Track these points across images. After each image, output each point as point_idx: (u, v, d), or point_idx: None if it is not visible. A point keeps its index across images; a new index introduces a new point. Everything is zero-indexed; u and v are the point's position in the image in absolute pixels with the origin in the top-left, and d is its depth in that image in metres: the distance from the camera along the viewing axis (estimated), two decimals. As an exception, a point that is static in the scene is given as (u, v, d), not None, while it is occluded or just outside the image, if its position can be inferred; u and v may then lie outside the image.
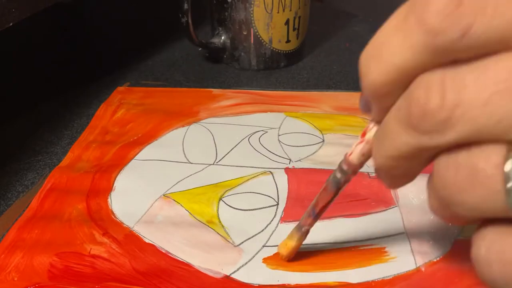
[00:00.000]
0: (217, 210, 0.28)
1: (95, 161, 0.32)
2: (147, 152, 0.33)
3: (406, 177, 0.17)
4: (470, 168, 0.13)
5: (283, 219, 0.27)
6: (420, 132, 0.14)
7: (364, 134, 0.18)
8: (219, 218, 0.27)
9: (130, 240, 0.26)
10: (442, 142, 0.14)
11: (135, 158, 0.33)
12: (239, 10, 0.43)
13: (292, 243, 0.24)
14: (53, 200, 0.29)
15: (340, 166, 0.20)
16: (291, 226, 0.27)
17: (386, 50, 0.14)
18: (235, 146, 0.33)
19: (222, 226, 0.27)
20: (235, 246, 0.26)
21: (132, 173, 0.31)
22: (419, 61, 0.14)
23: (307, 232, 0.23)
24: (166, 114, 0.37)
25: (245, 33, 0.44)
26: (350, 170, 0.20)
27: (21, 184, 0.31)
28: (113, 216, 0.28)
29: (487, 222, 0.15)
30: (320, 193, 0.22)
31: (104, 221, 0.27)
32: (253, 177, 0.30)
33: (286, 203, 0.28)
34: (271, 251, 0.25)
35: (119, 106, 0.39)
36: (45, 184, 0.30)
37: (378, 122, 0.17)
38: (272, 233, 0.26)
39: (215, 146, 0.33)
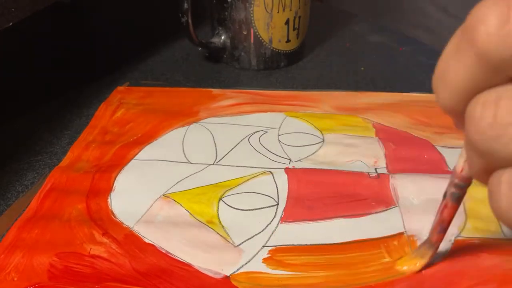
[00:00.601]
0: (217, 210, 0.28)
1: (95, 161, 0.32)
2: (147, 152, 0.33)
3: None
4: None
5: (283, 219, 0.27)
6: (479, 151, 0.15)
7: None
8: (219, 218, 0.27)
9: (130, 240, 0.26)
10: (497, 159, 0.14)
11: (135, 158, 0.32)
12: (239, 9, 0.43)
13: (423, 261, 0.24)
14: (53, 200, 0.29)
15: (453, 182, 0.21)
16: (291, 226, 0.27)
17: (447, 73, 0.15)
18: (235, 146, 0.33)
19: (222, 226, 0.27)
20: (235, 247, 0.26)
21: (132, 173, 0.31)
22: (477, 81, 0.14)
23: (437, 248, 0.24)
24: (166, 114, 0.37)
25: (245, 33, 0.44)
26: (465, 183, 0.20)
27: (21, 184, 0.31)
28: (113, 216, 0.28)
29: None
30: (442, 210, 0.22)
31: (104, 221, 0.27)
32: (253, 177, 0.30)
33: (286, 203, 0.28)
34: (271, 251, 0.25)
35: (118, 106, 0.39)
36: (45, 184, 0.30)
37: None
38: (272, 233, 0.26)
39: (215, 146, 0.33)
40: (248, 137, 0.34)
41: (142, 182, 0.30)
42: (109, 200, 0.29)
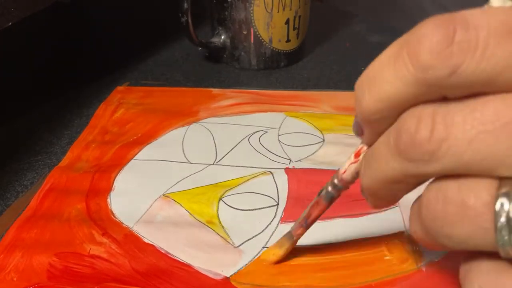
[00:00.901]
0: (217, 210, 0.28)
1: (95, 161, 0.32)
2: (146, 152, 0.33)
3: (390, 200, 0.18)
4: (460, 204, 0.14)
5: (283, 219, 0.27)
6: (407, 159, 0.15)
7: (358, 155, 0.19)
8: (219, 218, 0.27)
9: (129, 240, 0.26)
10: (427, 172, 0.15)
11: (134, 158, 0.32)
12: (239, 9, 0.43)
13: (281, 252, 0.24)
14: (52, 200, 0.29)
15: (332, 181, 0.21)
16: (291, 226, 0.27)
17: (380, 80, 0.15)
18: (235, 146, 0.33)
19: (222, 226, 0.27)
20: (235, 247, 0.26)
21: (131, 173, 0.31)
22: (410, 94, 0.15)
23: (296, 241, 0.24)
24: (166, 114, 0.37)
25: (245, 32, 0.44)
26: (343, 186, 0.21)
27: (20, 184, 0.31)
28: (112, 216, 0.28)
29: (476, 255, 0.15)
30: (312, 205, 0.22)
31: (103, 221, 0.27)
32: (253, 177, 0.30)
33: (286, 203, 0.28)
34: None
35: (118, 106, 0.38)
36: (45, 184, 0.30)
37: (370, 145, 0.18)
38: (272, 234, 0.26)
39: (215, 146, 0.33)
40: (248, 137, 0.34)
41: (142, 182, 0.30)
42: (108, 200, 0.29)
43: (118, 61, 0.46)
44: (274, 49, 0.45)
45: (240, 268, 0.24)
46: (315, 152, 0.33)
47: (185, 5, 0.41)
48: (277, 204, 0.28)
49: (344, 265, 0.24)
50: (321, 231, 0.26)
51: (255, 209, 0.28)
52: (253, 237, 0.26)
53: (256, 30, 0.43)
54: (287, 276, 0.24)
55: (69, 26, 0.57)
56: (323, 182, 0.29)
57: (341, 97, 0.39)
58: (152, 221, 0.27)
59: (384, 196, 0.17)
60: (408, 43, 0.15)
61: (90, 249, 0.25)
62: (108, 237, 0.26)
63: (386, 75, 0.15)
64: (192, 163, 0.32)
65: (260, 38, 0.44)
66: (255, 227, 0.27)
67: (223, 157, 0.32)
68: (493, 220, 0.13)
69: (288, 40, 0.45)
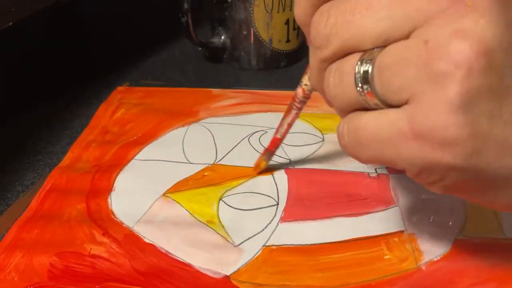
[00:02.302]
0: (217, 210, 0.28)
1: (95, 161, 0.32)
2: (147, 152, 0.33)
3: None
4: (340, 71, 0.19)
5: (283, 219, 0.27)
6: (316, 47, 0.19)
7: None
8: (219, 218, 0.27)
9: (130, 240, 0.26)
10: (328, 53, 0.19)
11: (135, 158, 0.32)
12: (239, 9, 0.43)
13: (264, 165, 0.30)
14: (53, 200, 0.29)
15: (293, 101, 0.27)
16: (291, 225, 0.27)
17: None
18: (235, 146, 0.33)
19: (222, 226, 0.27)
20: (235, 246, 0.26)
21: (132, 173, 0.31)
22: None
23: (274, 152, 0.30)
24: (166, 114, 0.37)
25: (245, 32, 0.44)
26: (301, 101, 0.27)
27: (21, 184, 0.31)
28: (113, 216, 0.28)
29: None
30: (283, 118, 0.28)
31: (104, 221, 0.27)
32: (253, 177, 0.30)
33: (286, 203, 0.28)
34: (271, 251, 0.25)
35: (118, 106, 0.38)
36: (45, 184, 0.30)
37: None
38: (272, 233, 0.26)
39: (215, 146, 0.33)
40: (248, 137, 0.34)
41: (142, 182, 0.30)
42: (109, 200, 0.29)
43: (118, 61, 0.47)
44: (274, 49, 0.45)
45: (240, 267, 0.24)
46: (315, 151, 0.33)
47: (185, 5, 0.41)
48: (277, 204, 0.28)
49: (344, 264, 0.24)
50: (321, 231, 0.26)
51: (255, 209, 0.28)
52: (253, 236, 0.26)
53: (256, 30, 0.43)
54: (287, 275, 0.24)
55: (69, 26, 0.57)
56: (323, 182, 0.30)
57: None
58: (153, 221, 0.27)
59: (321, 88, 0.21)
60: None
61: (90, 249, 0.25)
62: (108, 237, 0.26)
63: None
64: (192, 163, 0.32)
65: (260, 38, 0.44)
66: (255, 226, 0.27)
67: (223, 157, 0.32)
68: (354, 77, 0.18)
69: (288, 40, 0.45)
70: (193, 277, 0.24)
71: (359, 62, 0.18)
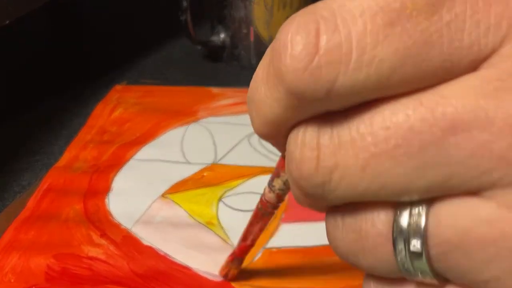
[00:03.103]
0: (217, 211, 0.28)
1: (93, 161, 0.32)
2: (145, 152, 0.33)
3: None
4: (358, 233, 0.12)
5: (284, 220, 0.27)
6: (304, 195, 0.13)
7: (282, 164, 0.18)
8: (218, 219, 0.27)
9: (128, 242, 0.26)
10: (324, 205, 0.13)
11: (133, 158, 0.32)
12: (239, 8, 0.42)
13: (235, 272, 0.23)
14: (50, 201, 0.29)
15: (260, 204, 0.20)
16: (291, 226, 0.26)
17: (259, 101, 0.13)
18: (234, 146, 0.33)
19: (222, 227, 0.27)
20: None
21: (130, 173, 0.31)
22: (289, 115, 0.12)
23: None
24: (165, 114, 0.37)
25: (245, 31, 0.43)
26: (272, 207, 0.20)
27: (18, 184, 0.31)
28: (110, 217, 0.27)
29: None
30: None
31: (101, 222, 0.27)
32: (252, 177, 0.30)
33: (287, 204, 0.28)
34: (271, 253, 0.25)
35: (116, 105, 0.38)
36: (42, 185, 0.30)
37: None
38: (272, 235, 0.26)
39: (215, 146, 0.33)
40: (247, 137, 0.34)
41: (140, 183, 0.30)
42: (107, 200, 0.29)
43: (117, 60, 0.46)
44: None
45: (240, 269, 0.24)
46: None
47: (185, 4, 0.41)
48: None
49: (345, 266, 0.24)
50: (322, 232, 0.26)
51: (255, 210, 0.28)
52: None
53: (256, 28, 0.43)
54: (287, 277, 0.24)
55: (67, 25, 0.57)
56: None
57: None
58: (151, 222, 0.27)
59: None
60: (273, 55, 0.12)
61: (88, 250, 0.25)
62: (106, 238, 0.26)
63: (263, 95, 0.13)
64: (191, 163, 0.32)
65: (260, 36, 0.43)
66: (255, 228, 0.27)
67: (222, 157, 0.32)
68: (391, 249, 0.12)
69: (288, 39, 0.44)
70: (191, 279, 0.24)
71: (395, 228, 0.12)
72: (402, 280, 0.13)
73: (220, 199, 0.28)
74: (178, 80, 0.43)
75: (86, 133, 0.35)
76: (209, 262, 0.24)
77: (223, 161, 0.32)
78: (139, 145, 0.33)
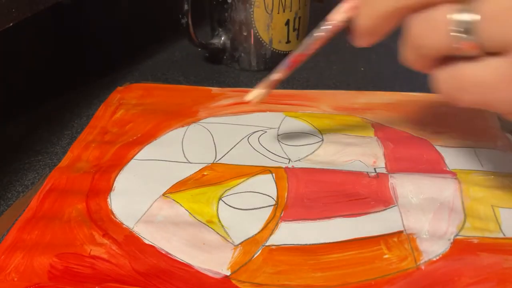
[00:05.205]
0: (217, 210, 0.28)
1: (95, 161, 0.32)
2: (146, 152, 0.33)
3: (378, 35, 0.23)
4: (430, 20, 0.19)
5: (283, 219, 0.27)
6: None
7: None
8: (218, 218, 0.27)
9: (130, 241, 0.26)
10: (413, 1, 0.20)
11: (134, 158, 0.33)
12: (239, 10, 0.43)
13: (264, 91, 0.30)
14: (52, 201, 0.29)
15: (320, 26, 0.26)
16: (290, 225, 0.27)
17: None
18: (234, 146, 0.33)
19: (222, 225, 0.27)
20: (234, 246, 0.26)
21: (131, 173, 0.31)
22: None
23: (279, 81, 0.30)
24: (166, 114, 0.37)
25: (245, 33, 0.44)
26: (330, 28, 0.26)
27: (21, 184, 0.31)
28: (112, 217, 0.28)
29: (441, 62, 0.21)
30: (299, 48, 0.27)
31: (104, 222, 0.27)
32: (252, 177, 0.30)
33: (286, 202, 0.28)
34: (271, 251, 0.25)
35: (118, 107, 0.39)
36: (45, 185, 0.30)
37: None
38: (271, 233, 0.26)
39: (215, 146, 0.33)
40: (247, 136, 0.34)
41: (141, 182, 0.30)
42: (109, 200, 0.29)
43: (118, 62, 0.47)
44: (274, 50, 0.45)
45: (240, 266, 0.24)
46: (314, 151, 0.33)
47: (185, 7, 0.41)
48: (277, 204, 0.28)
49: (344, 264, 0.24)
50: (321, 230, 0.26)
51: (254, 209, 0.28)
52: (253, 235, 0.26)
53: (256, 31, 0.43)
54: (287, 275, 0.24)
55: (69, 27, 0.57)
56: (322, 182, 0.30)
57: (340, 97, 0.39)
58: (152, 221, 0.27)
59: (375, 33, 0.22)
60: None
61: (90, 250, 0.25)
62: (108, 238, 0.26)
63: None
64: (191, 163, 0.32)
65: (260, 39, 0.44)
66: (254, 226, 0.27)
67: (222, 157, 0.32)
68: (449, 25, 0.19)
69: (288, 41, 0.45)
70: (193, 277, 0.24)
71: (456, 12, 0.19)
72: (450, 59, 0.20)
73: (220, 198, 0.29)
74: (179, 82, 0.44)
75: (88, 134, 0.35)
76: (210, 260, 0.25)
77: (223, 161, 0.32)
78: (140, 145, 0.34)
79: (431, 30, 0.20)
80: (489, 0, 0.18)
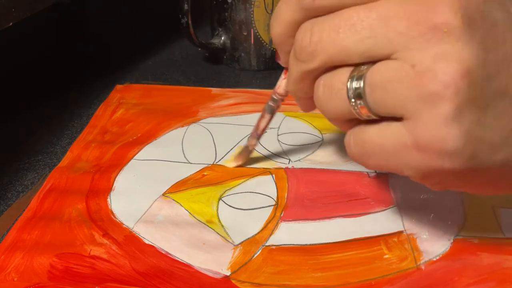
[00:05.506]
0: (217, 210, 0.28)
1: (95, 161, 0.32)
2: (146, 152, 0.33)
3: (305, 97, 0.23)
4: (329, 86, 0.21)
5: (283, 219, 0.27)
6: (300, 61, 0.21)
7: (285, 73, 0.26)
8: (218, 218, 0.27)
9: (130, 241, 0.26)
10: (313, 66, 0.21)
11: (134, 158, 0.33)
12: (239, 10, 0.43)
13: (240, 160, 0.31)
14: (52, 201, 0.29)
15: (272, 97, 0.28)
16: (290, 225, 0.27)
17: (279, 13, 0.22)
18: (234, 146, 0.33)
19: (222, 225, 0.27)
20: (234, 246, 0.26)
21: (131, 173, 0.31)
22: (298, 17, 0.21)
23: (251, 151, 0.31)
24: (166, 114, 0.37)
25: (245, 33, 0.44)
26: (279, 98, 0.28)
27: (21, 184, 0.31)
28: (112, 216, 0.28)
29: (351, 124, 0.22)
30: (259, 119, 0.29)
31: (104, 222, 0.27)
32: (252, 177, 0.30)
33: (286, 202, 0.28)
34: (271, 251, 0.25)
35: (118, 106, 0.39)
36: (45, 185, 0.30)
37: (286, 64, 0.24)
38: (271, 233, 0.26)
39: (215, 146, 0.33)
40: (247, 136, 0.34)
41: (141, 182, 0.30)
42: (108, 200, 0.29)
43: (118, 61, 0.47)
44: (274, 50, 0.45)
45: (240, 266, 0.24)
46: (314, 151, 0.33)
47: (185, 6, 0.41)
48: (277, 204, 0.28)
49: (344, 264, 0.24)
50: (321, 230, 0.26)
51: (254, 209, 0.28)
52: (253, 235, 0.26)
53: (256, 31, 0.43)
54: (287, 275, 0.24)
55: (69, 26, 0.57)
56: (322, 182, 0.30)
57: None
58: (152, 221, 0.27)
59: (301, 94, 0.23)
60: None
61: (90, 250, 0.25)
62: (108, 238, 0.26)
63: (283, 8, 0.22)
64: (191, 163, 0.32)
65: (260, 39, 0.44)
66: (254, 226, 0.27)
67: (222, 157, 0.32)
68: (346, 92, 0.20)
69: (287, 41, 0.45)
70: (193, 277, 0.24)
71: (349, 79, 0.20)
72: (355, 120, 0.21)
73: (220, 198, 0.29)
74: (179, 82, 0.44)
75: (88, 134, 0.35)
76: (210, 260, 0.25)
77: (223, 161, 0.32)
78: (140, 145, 0.34)
79: (330, 95, 0.21)
80: (374, 69, 0.19)
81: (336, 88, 0.20)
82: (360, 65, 0.20)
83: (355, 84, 0.19)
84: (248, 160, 0.31)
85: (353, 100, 0.20)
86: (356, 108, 0.20)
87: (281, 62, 0.25)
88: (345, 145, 0.22)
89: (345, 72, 0.20)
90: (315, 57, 0.20)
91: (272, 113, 0.29)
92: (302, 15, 0.21)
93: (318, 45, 0.20)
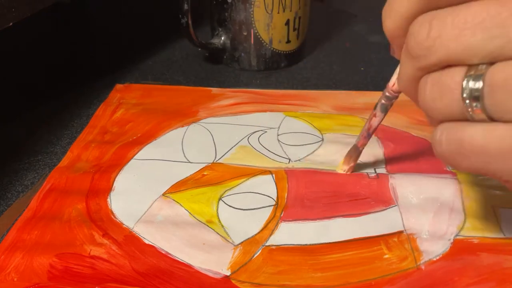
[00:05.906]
0: (217, 210, 0.28)
1: (95, 161, 0.32)
2: (146, 151, 0.33)
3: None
4: (440, 84, 0.19)
5: (283, 219, 0.27)
6: (413, 56, 0.19)
7: None
8: (218, 218, 0.27)
9: (130, 241, 0.26)
10: (427, 64, 0.19)
11: (134, 157, 0.33)
12: (239, 10, 0.43)
13: (351, 162, 0.30)
14: (52, 201, 0.29)
15: (384, 95, 0.26)
16: (290, 225, 0.27)
17: (394, 4, 0.20)
18: (234, 146, 0.33)
19: (222, 225, 0.27)
20: (234, 246, 0.26)
21: (131, 173, 0.31)
22: (415, 8, 0.19)
23: (361, 151, 0.30)
24: (165, 114, 0.37)
25: (245, 33, 0.44)
26: (393, 96, 0.26)
27: (21, 184, 0.31)
28: (112, 216, 0.28)
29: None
30: (371, 118, 0.28)
31: (103, 222, 0.27)
32: (252, 177, 0.30)
33: (286, 202, 0.28)
34: (271, 251, 0.25)
35: (118, 106, 0.39)
36: (45, 185, 0.30)
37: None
38: (271, 233, 0.26)
39: (215, 146, 0.33)
40: (247, 137, 0.34)
41: (141, 182, 0.30)
42: (108, 200, 0.29)
43: (118, 61, 0.47)
44: (274, 50, 0.45)
45: (240, 267, 0.24)
46: (314, 151, 0.33)
47: (185, 6, 0.41)
48: (277, 204, 0.28)
49: (344, 264, 0.24)
50: (321, 231, 0.26)
51: (254, 209, 0.28)
52: (253, 235, 0.26)
53: (256, 31, 0.43)
54: (287, 275, 0.24)
55: (69, 26, 0.57)
56: (322, 182, 0.30)
57: (340, 96, 0.39)
58: (152, 221, 0.27)
59: (414, 92, 0.21)
60: None
61: (90, 250, 0.25)
62: (108, 238, 0.26)
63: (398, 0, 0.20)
64: (191, 163, 0.32)
65: (260, 39, 0.44)
66: (254, 226, 0.27)
67: (222, 157, 0.32)
68: (461, 92, 0.18)
69: (288, 41, 0.45)
70: (193, 277, 0.24)
71: (465, 79, 0.18)
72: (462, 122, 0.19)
73: (220, 198, 0.29)
74: (179, 82, 0.44)
75: (88, 134, 0.35)
76: (210, 260, 0.25)
77: (223, 161, 0.32)
78: (140, 145, 0.34)
79: (441, 95, 0.19)
80: (497, 67, 0.17)
81: (448, 87, 0.19)
82: (479, 65, 0.18)
83: (472, 84, 0.18)
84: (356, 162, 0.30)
85: (467, 101, 0.18)
86: (470, 109, 0.18)
87: (397, 56, 0.23)
88: (432, 141, 0.20)
89: (460, 71, 0.18)
90: (432, 54, 0.19)
91: (385, 111, 0.27)
92: (421, 6, 0.19)
93: (436, 41, 0.18)
